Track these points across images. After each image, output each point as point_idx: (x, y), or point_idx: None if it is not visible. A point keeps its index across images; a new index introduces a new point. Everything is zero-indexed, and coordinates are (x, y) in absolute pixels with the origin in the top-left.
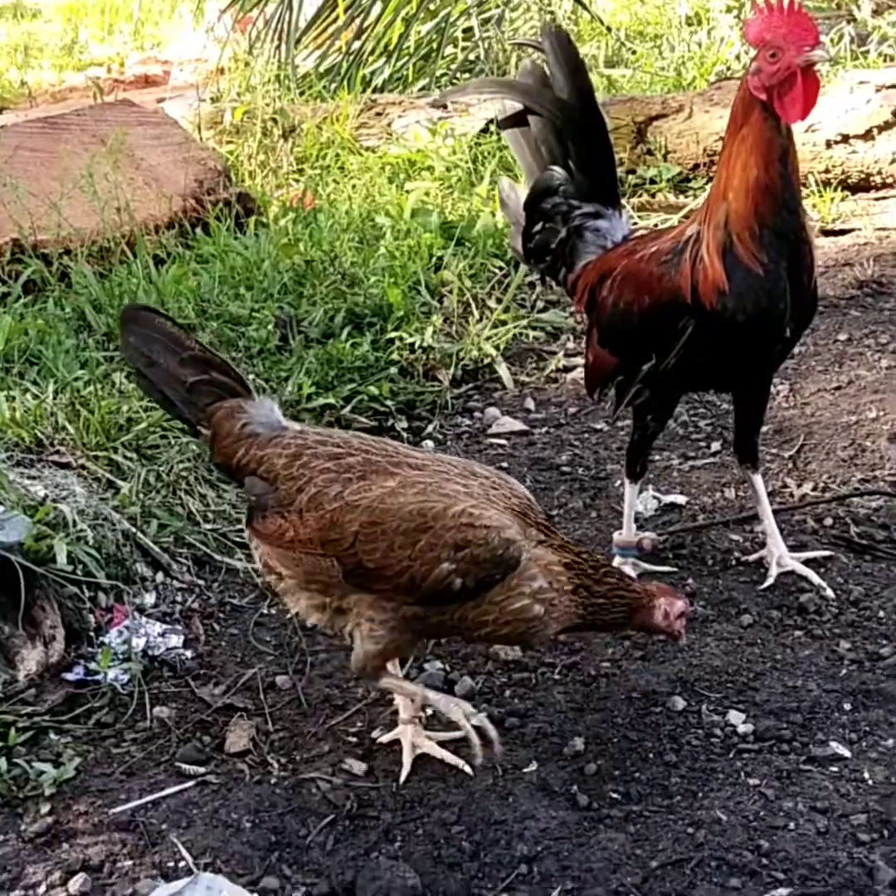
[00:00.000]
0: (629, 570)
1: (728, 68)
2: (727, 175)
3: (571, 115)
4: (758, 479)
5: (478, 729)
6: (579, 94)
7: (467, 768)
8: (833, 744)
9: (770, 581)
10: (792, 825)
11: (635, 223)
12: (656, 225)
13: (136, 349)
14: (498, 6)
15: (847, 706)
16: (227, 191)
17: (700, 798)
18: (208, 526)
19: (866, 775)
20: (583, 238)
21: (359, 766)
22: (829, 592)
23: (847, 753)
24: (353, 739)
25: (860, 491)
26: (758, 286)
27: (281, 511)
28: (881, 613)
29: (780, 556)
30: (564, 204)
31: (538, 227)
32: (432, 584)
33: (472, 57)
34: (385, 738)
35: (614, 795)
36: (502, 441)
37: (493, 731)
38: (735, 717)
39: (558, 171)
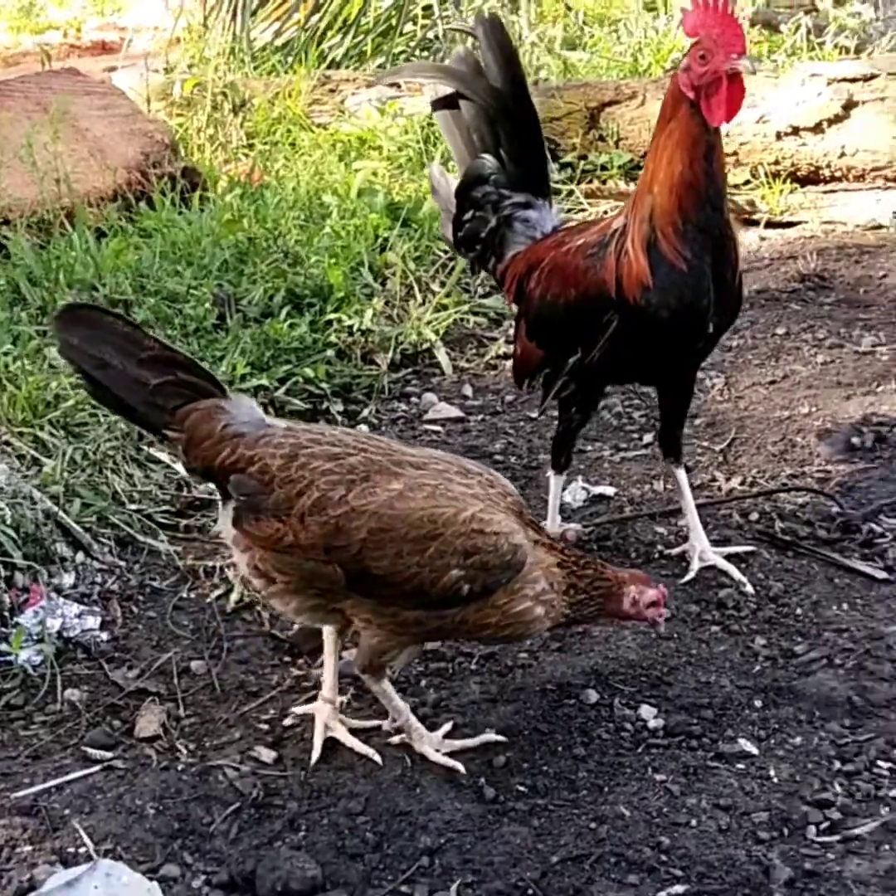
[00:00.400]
0: None
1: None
2: (654, 168)
3: (504, 103)
4: (681, 474)
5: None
6: (512, 83)
7: (376, 757)
8: (742, 741)
9: (691, 575)
10: (694, 822)
11: (584, 209)
12: (606, 212)
13: (82, 351)
14: None
15: (758, 703)
16: (172, 164)
17: (606, 793)
18: (134, 506)
19: (772, 773)
20: (512, 228)
21: (268, 754)
22: (749, 588)
23: (755, 751)
24: (265, 727)
25: (787, 487)
26: (681, 281)
27: (278, 514)
28: (799, 610)
29: (702, 551)
30: (495, 193)
31: (468, 215)
32: (440, 591)
33: (431, 35)
34: (299, 710)
35: (521, 788)
36: (437, 427)
37: (460, 766)
38: (647, 711)
39: (489, 160)
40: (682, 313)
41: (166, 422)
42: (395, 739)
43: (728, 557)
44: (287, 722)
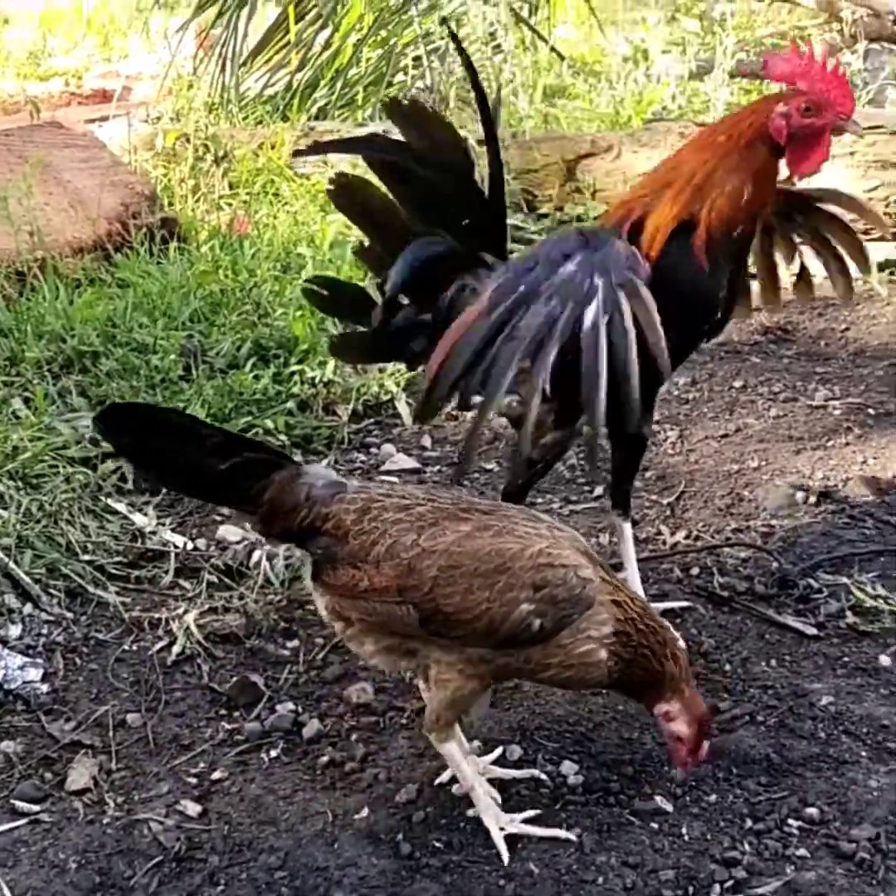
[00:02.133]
0: None
1: (664, 108)
2: (714, 177)
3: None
4: (626, 527)
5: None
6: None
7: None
8: (658, 798)
9: None
10: (600, 880)
11: None
12: None
13: (136, 450)
14: (442, 38)
15: None
16: (152, 215)
17: (519, 849)
18: (87, 557)
19: (684, 831)
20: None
21: (194, 808)
22: (681, 644)
23: (669, 808)
24: (193, 780)
25: (727, 543)
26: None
27: (352, 562)
28: (728, 667)
29: None
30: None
31: None
32: (511, 626)
33: (420, 85)
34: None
35: (437, 844)
36: (393, 479)
37: (506, 855)
38: (568, 767)
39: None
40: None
41: (242, 498)
42: (470, 812)
43: (663, 612)
44: (215, 775)
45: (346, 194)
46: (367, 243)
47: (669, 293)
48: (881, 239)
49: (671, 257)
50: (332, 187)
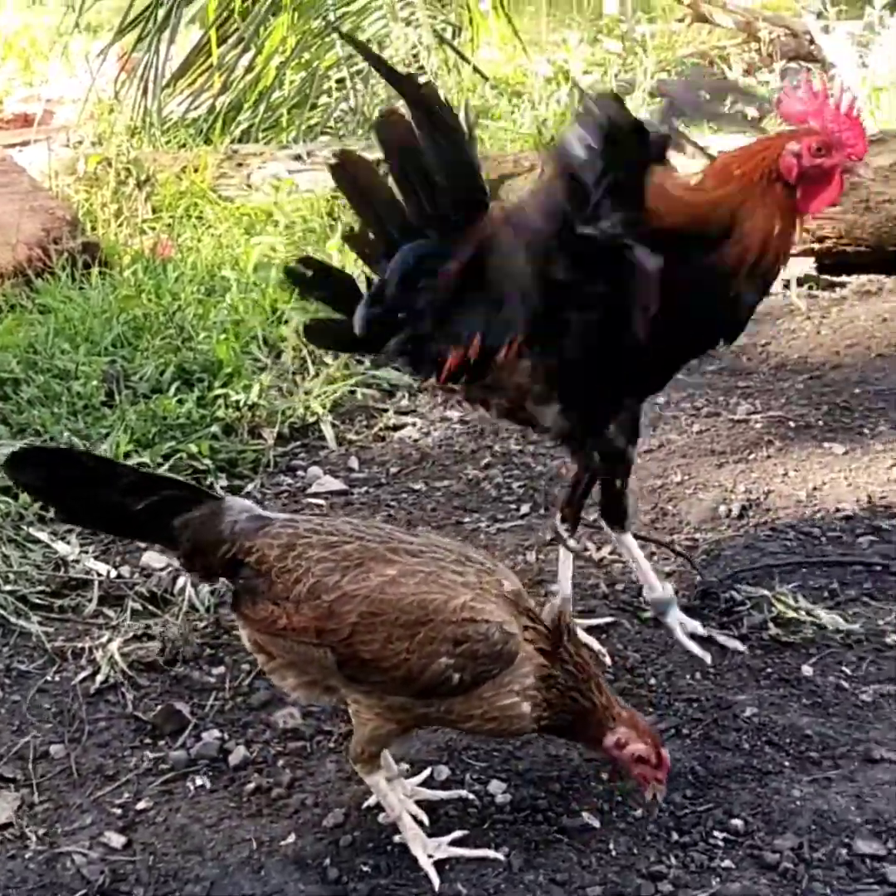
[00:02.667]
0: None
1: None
2: (742, 212)
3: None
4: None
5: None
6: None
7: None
8: (585, 814)
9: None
10: None
11: None
12: None
13: (48, 492)
14: (364, 61)
15: (604, 776)
16: (73, 240)
17: (447, 871)
18: (8, 587)
19: (611, 846)
20: None
21: (118, 839)
22: (607, 660)
23: (596, 824)
24: (117, 811)
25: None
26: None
27: (273, 599)
28: (652, 681)
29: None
30: None
31: None
32: (430, 678)
33: (344, 107)
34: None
35: (364, 868)
36: (320, 501)
37: (436, 881)
38: (495, 786)
39: None
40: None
41: (164, 536)
42: (397, 837)
43: (590, 629)
44: (140, 806)
45: (348, 172)
46: (357, 228)
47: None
48: (801, 255)
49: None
50: (335, 162)
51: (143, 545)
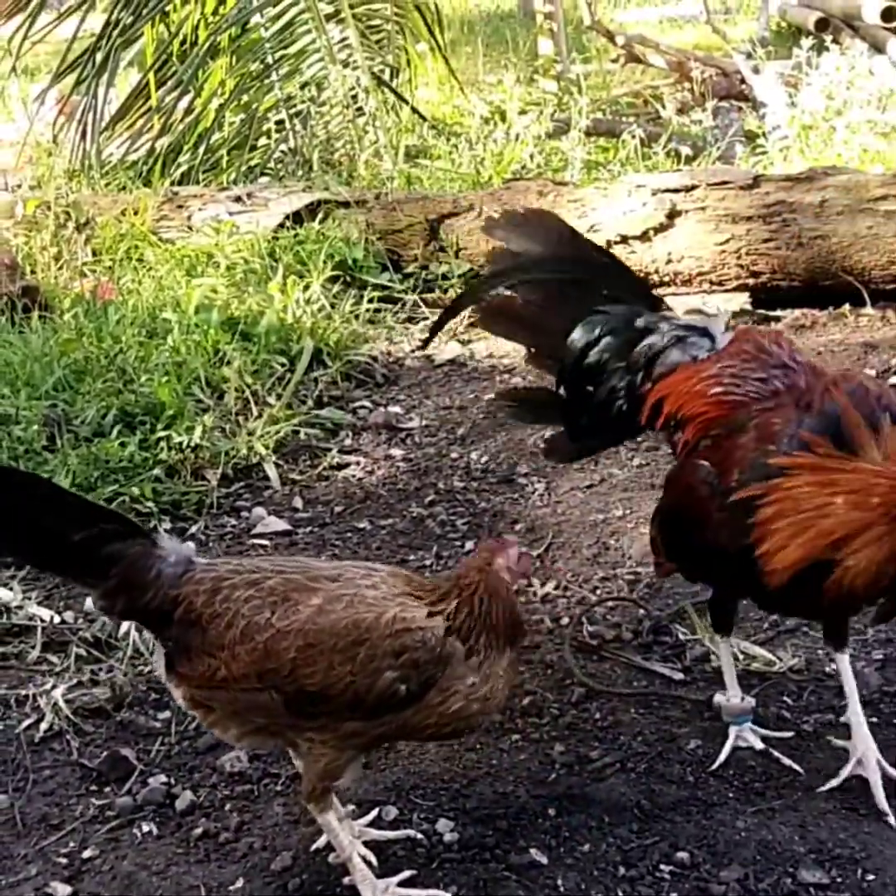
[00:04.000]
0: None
1: (523, 167)
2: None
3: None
4: (843, 660)
5: None
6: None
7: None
8: (533, 851)
9: (837, 782)
10: None
11: (425, 318)
12: None
13: None
14: (304, 102)
15: (552, 811)
16: (13, 284)
17: None
18: None
19: (559, 882)
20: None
21: (63, 890)
22: (550, 695)
23: (544, 860)
24: (63, 860)
25: (606, 597)
26: None
27: (208, 650)
28: (597, 715)
29: (863, 754)
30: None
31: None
32: (377, 696)
33: (284, 148)
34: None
35: None
36: (264, 542)
37: None
38: (443, 825)
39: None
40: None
41: (88, 571)
42: (346, 879)
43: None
44: (86, 854)
45: (493, 317)
46: (532, 351)
47: None
48: (736, 289)
49: None
50: (479, 316)
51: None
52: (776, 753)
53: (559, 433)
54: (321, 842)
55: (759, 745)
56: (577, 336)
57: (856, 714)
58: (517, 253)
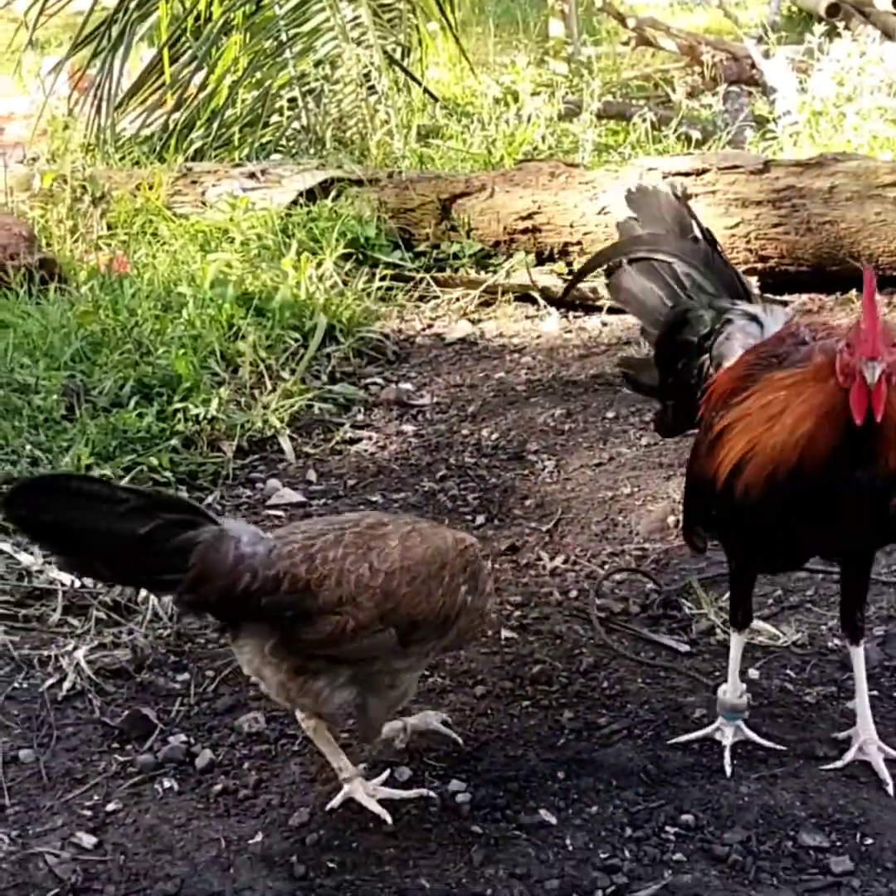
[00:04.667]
0: (730, 738)
1: (535, 148)
2: None
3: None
4: (857, 653)
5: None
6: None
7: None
8: (543, 811)
9: (842, 763)
10: (489, 891)
11: (436, 296)
12: (457, 299)
13: (45, 528)
14: (317, 80)
15: (561, 774)
16: (31, 256)
17: (411, 866)
18: None
19: (568, 842)
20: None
21: (89, 840)
22: (559, 665)
23: (553, 820)
24: (88, 813)
25: (616, 568)
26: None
27: (328, 610)
28: (605, 684)
29: (864, 741)
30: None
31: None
32: (457, 609)
33: (296, 126)
34: (336, 803)
35: (331, 865)
36: (279, 512)
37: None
38: (456, 785)
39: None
40: (777, 536)
41: (167, 566)
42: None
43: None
44: (110, 807)
45: (616, 284)
46: (641, 326)
47: None
48: (745, 274)
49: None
50: (609, 280)
51: None
52: (755, 736)
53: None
54: (336, 801)
55: (728, 742)
56: (669, 318)
57: (862, 703)
58: (641, 229)
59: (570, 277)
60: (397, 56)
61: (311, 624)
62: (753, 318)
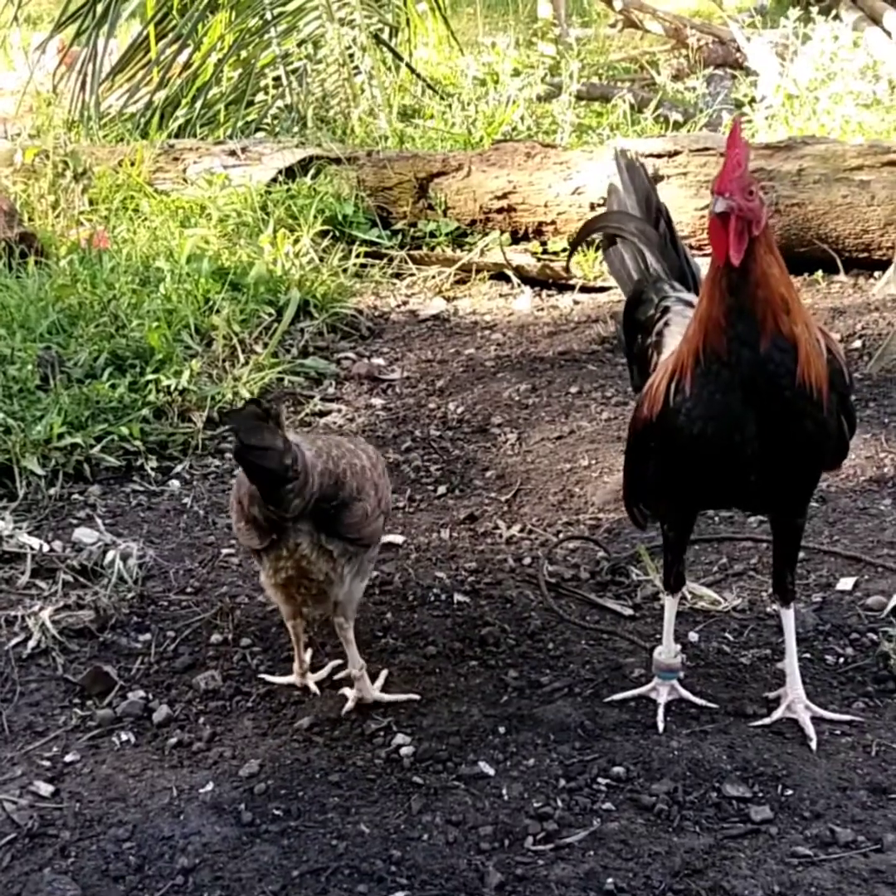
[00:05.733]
0: (664, 696)
1: (514, 129)
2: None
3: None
4: (787, 615)
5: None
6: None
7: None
8: (482, 763)
9: (770, 720)
10: (426, 836)
11: (412, 274)
12: (433, 276)
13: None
14: (300, 59)
15: (502, 729)
16: (11, 230)
17: (353, 814)
18: None
19: (504, 792)
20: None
21: (46, 788)
22: (508, 627)
23: (492, 772)
24: (47, 763)
25: (568, 536)
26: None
27: (359, 498)
28: (551, 645)
29: (792, 700)
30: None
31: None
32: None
33: (280, 104)
34: (350, 705)
35: (276, 812)
36: None
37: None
38: (401, 739)
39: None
40: (706, 447)
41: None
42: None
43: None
44: (68, 758)
45: (607, 252)
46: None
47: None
48: None
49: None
50: (603, 244)
51: (74, 521)
52: (688, 695)
53: None
54: (351, 705)
55: (662, 700)
56: (629, 295)
57: (791, 664)
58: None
59: (544, 257)
60: (385, 36)
61: (349, 512)
62: (689, 304)
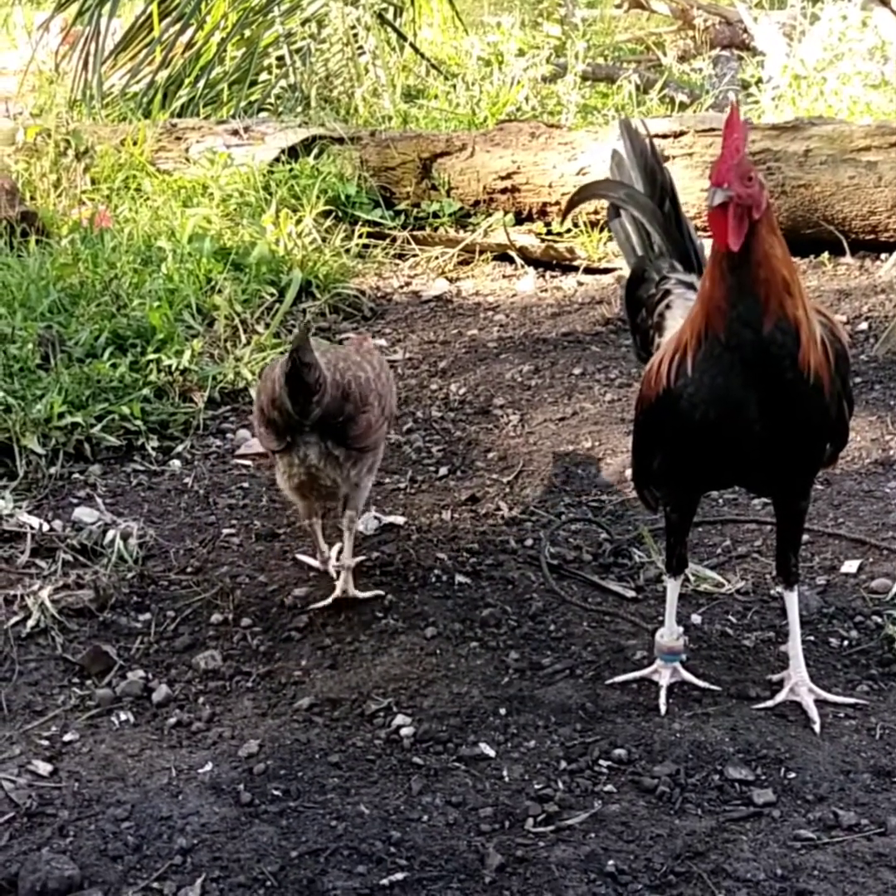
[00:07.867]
0: (667, 679)
1: (518, 109)
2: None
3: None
4: (791, 598)
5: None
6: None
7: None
8: (482, 745)
9: (774, 703)
10: (425, 818)
11: (415, 255)
12: (436, 257)
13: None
14: (304, 39)
15: (503, 711)
16: (12, 209)
17: (352, 795)
18: None
19: (504, 773)
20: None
21: (45, 767)
22: (509, 609)
23: (492, 753)
24: (45, 743)
25: (571, 517)
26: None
27: (363, 410)
28: (552, 627)
29: (795, 683)
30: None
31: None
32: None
33: (284, 84)
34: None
35: (275, 793)
36: (247, 462)
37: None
38: (401, 720)
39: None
40: (707, 429)
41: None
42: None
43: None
44: (67, 738)
45: (612, 221)
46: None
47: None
48: None
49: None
50: (609, 210)
51: (74, 500)
52: (691, 677)
53: None
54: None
55: (664, 683)
56: (632, 272)
57: (795, 646)
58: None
59: (548, 238)
60: (390, 16)
61: (355, 423)
62: (691, 287)
